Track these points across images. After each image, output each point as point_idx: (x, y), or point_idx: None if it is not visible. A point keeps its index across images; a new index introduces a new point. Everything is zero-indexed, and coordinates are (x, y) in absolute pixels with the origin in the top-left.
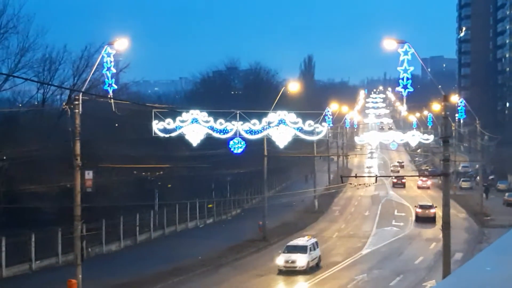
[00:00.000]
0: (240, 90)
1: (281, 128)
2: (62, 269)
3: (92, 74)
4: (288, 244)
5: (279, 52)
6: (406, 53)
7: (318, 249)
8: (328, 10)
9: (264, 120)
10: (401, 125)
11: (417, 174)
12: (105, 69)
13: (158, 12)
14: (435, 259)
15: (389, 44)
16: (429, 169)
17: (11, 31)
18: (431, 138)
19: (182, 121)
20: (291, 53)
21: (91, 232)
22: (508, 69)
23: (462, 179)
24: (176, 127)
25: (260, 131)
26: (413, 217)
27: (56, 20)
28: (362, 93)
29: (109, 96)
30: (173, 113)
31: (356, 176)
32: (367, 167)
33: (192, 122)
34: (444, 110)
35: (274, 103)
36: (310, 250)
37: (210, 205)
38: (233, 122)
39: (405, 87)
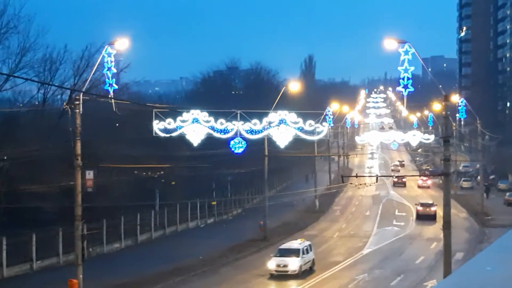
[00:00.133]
0: (241, 90)
1: (281, 128)
2: (63, 269)
3: (93, 74)
4: (280, 247)
5: (280, 52)
6: (406, 53)
7: (312, 252)
8: (328, 10)
9: (265, 120)
10: (402, 124)
11: (418, 174)
12: (106, 69)
13: (159, 12)
14: (436, 258)
15: (390, 44)
16: (430, 169)
17: (12, 31)
18: (431, 137)
19: (183, 121)
20: (292, 53)
21: (92, 231)
22: (508, 68)
23: (463, 178)
24: (177, 127)
25: (260, 131)
26: (414, 216)
27: (56, 20)
28: (362, 93)
29: (109, 96)
30: (174, 113)
31: (357, 176)
32: (368, 167)
33: (192, 122)
34: (444, 109)
35: (275, 103)
36: (303, 253)
37: (214, 202)
38: (234, 122)
39: (405, 86)
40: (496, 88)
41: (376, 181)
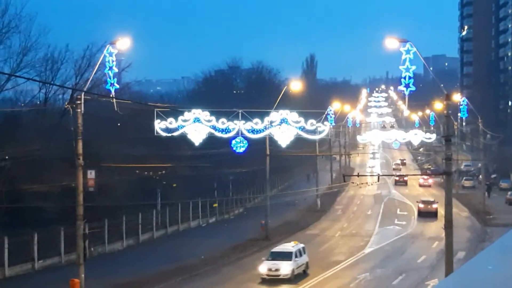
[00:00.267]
0: (242, 89)
1: (283, 127)
2: (64, 268)
3: (94, 73)
4: (272, 250)
5: (281, 51)
6: (408, 52)
7: (306, 255)
8: (330, 9)
9: (266, 119)
10: (403, 124)
11: (420, 173)
12: (107, 68)
13: (160, 12)
14: (438, 258)
15: (391, 43)
16: (432, 168)
17: (13, 31)
18: (433, 137)
19: (184, 121)
20: (293, 52)
21: (94, 230)
22: (510, 67)
23: (464, 178)
24: (178, 126)
25: (262, 130)
26: (416, 214)
27: (58, 19)
28: (364, 92)
29: (111, 95)
30: (175, 113)
31: (358, 175)
32: (370, 167)
33: (194, 121)
34: (446, 109)
35: (276, 102)
36: (296, 256)
37: (215, 204)
38: (235, 121)
39: (407, 86)
40: (497, 87)
41: (378, 180)
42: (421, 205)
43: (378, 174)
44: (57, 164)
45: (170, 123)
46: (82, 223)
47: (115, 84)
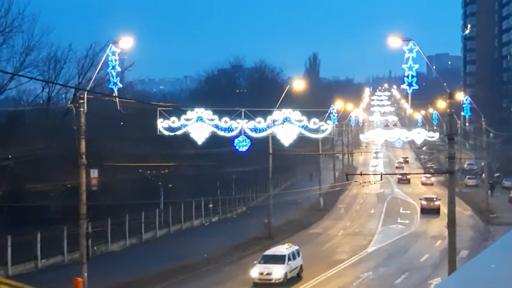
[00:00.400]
0: (245, 88)
1: (286, 126)
2: (68, 267)
3: (97, 72)
4: (265, 253)
5: (284, 50)
6: (411, 50)
7: (300, 258)
8: (333, 8)
9: (269, 118)
10: (406, 122)
11: (423, 172)
12: (110, 67)
13: (163, 11)
14: (441, 256)
15: (394, 41)
16: (435, 167)
17: (16, 30)
18: (436, 135)
19: (187, 120)
20: (296, 51)
21: (97, 229)
22: None
23: (467, 176)
24: (181, 125)
25: (265, 129)
26: (419, 211)
27: (61, 19)
28: (367, 91)
29: (114, 94)
30: (178, 112)
31: (361, 174)
32: (373, 166)
33: (197, 120)
34: (449, 107)
35: (279, 101)
36: (289, 259)
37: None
38: (238, 120)
39: (410, 84)
40: (500, 86)
41: (381, 179)
42: (424, 202)
43: (381, 172)
44: (60, 163)
45: (173, 122)
46: (85, 222)
47: (118, 83)
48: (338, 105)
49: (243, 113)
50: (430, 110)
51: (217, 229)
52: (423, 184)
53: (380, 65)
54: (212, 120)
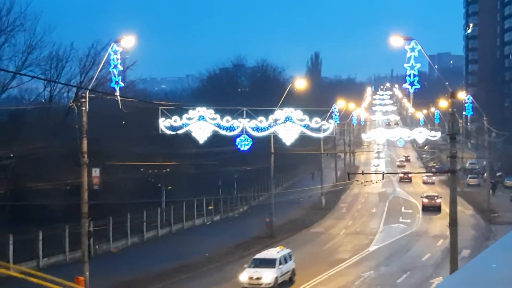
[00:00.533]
0: (247, 88)
1: (287, 125)
2: (69, 266)
3: (99, 71)
4: (255, 257)
5: (286, 49)
6: (413, 50)
7: (292, 261)
8: (335, 7)
9: (271, 117)
10: (408, 122)
11: (424, 172)
12: (112, 66)
13: (165, 10)
14: (443, 256)
15: (396, 41)
16: (436, 166)
17: (18, 29)
18: (438, 135)
19: (189, 119)
20: (298, 50)
21: (99, 227)
22: None
23: (469, 176)
24: (183, 124)
25: (266, 128)
26: (420, 209)
27: (63, 17)
28: (369, 90)
29: (115, 93)
30: (180, 111)
31: (363, 173)
32: (374, 165)
33: (198, 119)
34: (451, 106)
35: (281, 100)
36: (280, 263)
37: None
38: (240, 120)
39: (412, 84)
40: (502, 85)
41: (382, 178)
42: (425, 200)
43: (383, 172)
44: (62, 162)
45: (175, 121)
46: (86, 221)
47: (120, 82)
48: (340, 104)
49: (244, 112)
50: (432, 109)
51: (218, 228)
52: (424, 183)
53: (382, 64)
54: (214, 119)
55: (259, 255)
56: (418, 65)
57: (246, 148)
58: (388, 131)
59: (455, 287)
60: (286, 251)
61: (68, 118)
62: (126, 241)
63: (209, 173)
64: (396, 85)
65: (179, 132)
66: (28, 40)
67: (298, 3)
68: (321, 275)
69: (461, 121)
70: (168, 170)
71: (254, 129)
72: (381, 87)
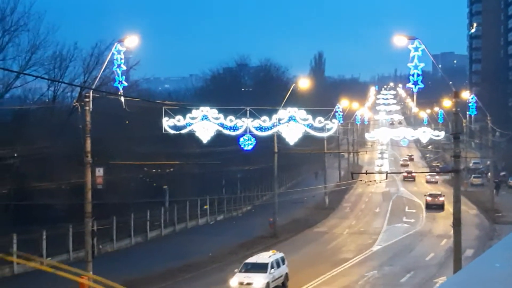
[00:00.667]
0: (250, 87)
1: (291, 124)
2: (73, 265)
3: (103, 71)
4: (246, 261)
5: (290, 49)
6: (416, 49)
7: (285, 266)
8: (338, 7)
9: (274, 117)
10: (412, 121)
11: (428, 171)
12: (116, 66)
13: (168, 9)
14: (446, 255)
15: (400, 40)
16: (440, 166)
17: (22, 29)
18: (442, 134)
19: (192, 118)
20: (302, 49)
21: (103, 227)
22: None
23: (473, 175)
24: (186, 124)
25: (270, 128)
26: (424, 207)
27: (66, 17)
28: (372, 90)
29: (119, 93)
30: (183, 110)
31: (366, 173)
32: (378, 165)
33: (202, 119)
34: (455, 106)
35: (284, 100)
36: (272, 268)
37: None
38: (243, 119)
39: (415, 83)
40: (506, 85)
41: (386, 178)
42: (429, 198)
43: (387, 171)
44: (66, 162)
45: (178, 120)
46: (90, 220)
47: (123, 82)
48: (344, 103)
49: (248, 111)
50: (436, 108)
51: (222, 228)
52: (428, 182)
53: (385, 63)
54: (217, 118)
55: (250, 259)
56: (422, 65)
57: (250, 147)
58: (391, 130)
59: (458, 286)
60: (279, 255)
61: (71, 117)
62: (129, 241)
63: (212, 173)
64: (400, 85)
65: (183, 131)
66: (32, 39)
67: (301, 3)
68: (324, 275)
69: (464, 121)
70: (171, 169)
71: (258, 128)
72: (385, 86)
